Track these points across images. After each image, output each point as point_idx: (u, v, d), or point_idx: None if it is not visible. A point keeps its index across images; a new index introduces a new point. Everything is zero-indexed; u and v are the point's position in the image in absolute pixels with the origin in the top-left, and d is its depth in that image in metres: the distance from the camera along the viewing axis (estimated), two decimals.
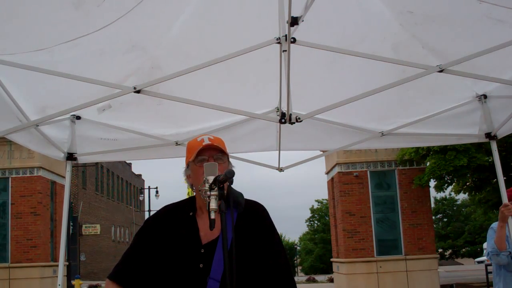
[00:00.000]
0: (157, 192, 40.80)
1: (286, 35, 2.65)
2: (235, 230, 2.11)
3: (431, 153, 15.17)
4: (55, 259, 16.88)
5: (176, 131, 4.46)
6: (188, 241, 2.27)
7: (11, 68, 3.02)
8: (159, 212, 2.45)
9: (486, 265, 16.10)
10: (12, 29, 2.82)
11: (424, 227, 16.45)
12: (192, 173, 2.28)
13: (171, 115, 4.20)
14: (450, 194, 43.88)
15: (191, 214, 2.33)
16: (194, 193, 2.38)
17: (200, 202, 2.32)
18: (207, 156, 2.23)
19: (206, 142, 2.24)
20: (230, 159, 2.36)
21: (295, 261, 56.17)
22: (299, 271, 52.74)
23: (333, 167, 17.45)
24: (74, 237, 29.99)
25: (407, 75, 3.22)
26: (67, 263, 18.16)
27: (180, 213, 2.36)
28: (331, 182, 18.16)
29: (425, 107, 4.24)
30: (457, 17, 3.07)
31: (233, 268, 1.96)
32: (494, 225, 4.55)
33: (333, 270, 19.09)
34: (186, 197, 2.45)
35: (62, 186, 16.95)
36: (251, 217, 2.30)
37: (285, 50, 2.69)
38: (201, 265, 2.21)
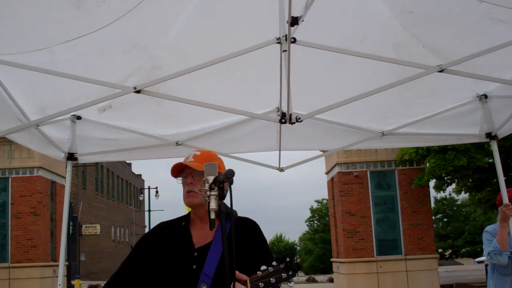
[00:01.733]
0: (157, 192, 40.80)
1: (286, 35, 2.65)
2: (228, 239, 2.12)
3: (431, 153, 15.16)
4: (55, 259, 16.87)
5: (176, 131, 4.46)
6: (181, 246, 2.38)
7: (11, 68, 3.02)
8: (154, 227, 2.61)
9: (486, 265, 16.10)
10: (12, 28, 2.82)
11: (424, 227, 16.45)
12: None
13: (171, 115, 4.20)
14: (450, 194, 43.99)
15: (183, 223, 2.48)
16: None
17: (193, 214, 2.46)
18: (187, 173, 2.40)
19: (189, 159, 2.41)
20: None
21: (295, 261, 56.04)
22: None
23: (333, 167, 17.45)
24: (74, 237, 29.98)
25: (408, 75, 3.22)
26: (67, 263, 18.16)
27: (174, 225, 2.51)
28: (331, 182, 18.15)
29: (425, 107, 4.24)
30: (457, 17, 3.06)
31: (232, 255, 1.98)
32: (488, 228, 4.54)
33: (333, 270, 19.08)
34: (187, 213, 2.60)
35: (62, 186, 16.94)
36: (244, 230, 2.39)
37: (285, 50, 2.69)
38: (194, 266, 2.31)
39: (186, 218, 2.51)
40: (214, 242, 2.33)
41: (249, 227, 2.43)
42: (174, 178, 2.45)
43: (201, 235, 2.38)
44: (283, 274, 2.04)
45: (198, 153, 2.44)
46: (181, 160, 2.47)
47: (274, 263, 2.09)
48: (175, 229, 2.47)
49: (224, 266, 1.94)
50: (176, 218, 2.57)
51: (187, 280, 2.29)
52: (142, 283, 2.40)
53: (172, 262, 2.35)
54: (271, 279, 2.03)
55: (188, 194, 2.37)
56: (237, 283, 2.01)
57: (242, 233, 2.35)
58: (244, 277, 2.07)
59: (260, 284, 2.03)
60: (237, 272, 2.05)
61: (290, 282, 2.06)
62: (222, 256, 2.21)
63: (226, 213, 2.00)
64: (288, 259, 2.08)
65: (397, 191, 16.70)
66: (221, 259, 2.28)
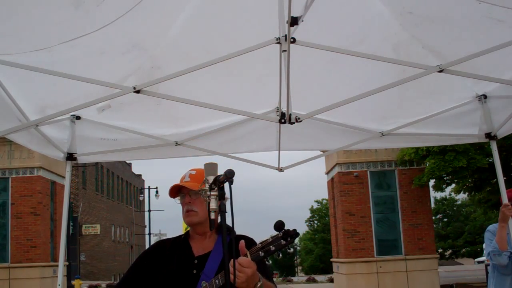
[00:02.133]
0: (157, 192, 40.81)
1: (286, 35, 2.64)
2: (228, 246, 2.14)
3: (431, 153, 15.16)
4: (55, 259, 16.87)
5: (176, 131, 4.46)
6: (181, 255, 2.46)
7: (11, 68, 3.02)
8: (154, 243, 2.72)
9: (486, 265, 16.10)
10: (12, 29, 2.82)
11: (424, 227, 16.45)
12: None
13: (171, 115, 4.20)
14: (450, 194, 44.00)
15: (183, 237, 2.57)
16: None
17: (192, 231, 2.55)
18: (184, 193, 2.49)
19: (186, 179, 2.48)
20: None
21: (295, 261, 56.16)
22: (299, 271, 52.72)
23: (333, 167, 17.45)
24: (74, 237, 30.00)
25: (407, 75, 3.22)
26: (67, 263, 18.17)
27: (174, 240, 2.62)
28: (331, 182, 18.15)
29: (425, 107, 4.24)
30: (457, 17, 3.06)
31: (233, 255, 2.01)
32: (491, 227, 4.55)
33: (333, 270, 19.09)
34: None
35: (62, 186, 16.94)
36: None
37: (285, 50, 2.68)
38: (194, 271, 2.38)
39: (185, 234, 2.60)
40: (214, 250, 2.40)
41: (247, 240, 2.47)
42: (172, 198, 2.54)
43: (200, 247, 2.45)
44: (282, 241, 2.05)
45: (194, 172, 2.51)
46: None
47: (271, 234, 2.12)
48: (175, 243, 2.56)
49: (224, 270, 1.97)
50: (176, 236, 2.67)
51: (187, 283, 2.35)
52: None
53: (173, 270, 2.42)
54: (271, 247, 2.05)
55: (187, 214, 2.45)
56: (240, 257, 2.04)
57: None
58: (245, 250, 2.10)
59: (260, 253, 2.06)
60: (240, 244, 2.10)
61: (289, 249, 2.08)
62: (223, 262, 2.23)
63: (225, 216, 2.01)
64: (286, 227, 2.09)
65: (397, 191, 16.71)
66: (221, 264, 2.32)
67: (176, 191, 2.52)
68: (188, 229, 2.64)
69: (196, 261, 2.40)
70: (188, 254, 2.45)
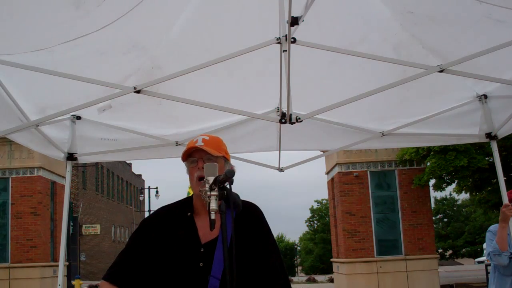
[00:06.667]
0: (157, 192, 40.81)
1: (286, 35, 2.65)
2: (234, 229, 2.11)
3: (431, 153, 15.15)
4: (55, 259, 16.87)
5: (176, 131, 4.47)
6: (187, 241, 2.27)
7: (11, 68, 3.02)
8: (155, 213, 2.46)
9: (486, 265, 16.09)
10: (12, 29, 2.82)
11: (424, 227, 16.44)
12: (188, 173, 2.32)
13: (171, 115, 4.20)
14: (450, 194, 44.03)
15: (189, 214, 2.33)
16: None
17: (197, 202, 2.31)
18: (197, 157, 2.25)
19: (199, 143, 2.25)
20: (233, 160, 2.37)
21: (295, 261, 56.15)
22: (299, 271, 52.71)
23: (333, 167, 17.45)
24: (74, 237, 29.98)
25: (408, 75, 3.22)
26: (67, 263, 18.16)
27: (177, 214, 2.35)
28: (331, 182, 18.15)
29: (425, 107, 4.24)
30: (457, 17, 3.07)
31: (233, 266, 1.97)
32: (492, 227, 4.54)
33: (333, 270, 19.08)
34: (187, 197, 2.47)
35: (62, 186, 16.93)
36: (248, 218, 2.33)
37: (285, 50, 2.69)
38: (201, 264, 2.22)
39: (189, 205, 2.35)
40: (220, 240, 2.22)
41: (254, 217, 2.36)
42: (183, 162, 2.30)
43: (206, 228, 2.16)
44: None
45: (206, 137, 2.30)
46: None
47: None
48: (179, 219, 2.33)
49: (231, 266, 1.92)
50: (179, 202, 2.41)
51: (195, 279, 2.20)
52: (144, 276, 2.30)
53: (177, 258, 2.25)
54: None
55: (200, 182, 2.19)
56: None
57: (248, 221, 2.30)
58: None
59: None
60: None
61: None
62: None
63: (227, 210, 1.97)
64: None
65: (397, 191, 16.69)
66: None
67: (186, 155, 2.28)
68: (191, 194, 2.39)
69: (202, 250, 2.24)
70: (194, 240, 2.25)
